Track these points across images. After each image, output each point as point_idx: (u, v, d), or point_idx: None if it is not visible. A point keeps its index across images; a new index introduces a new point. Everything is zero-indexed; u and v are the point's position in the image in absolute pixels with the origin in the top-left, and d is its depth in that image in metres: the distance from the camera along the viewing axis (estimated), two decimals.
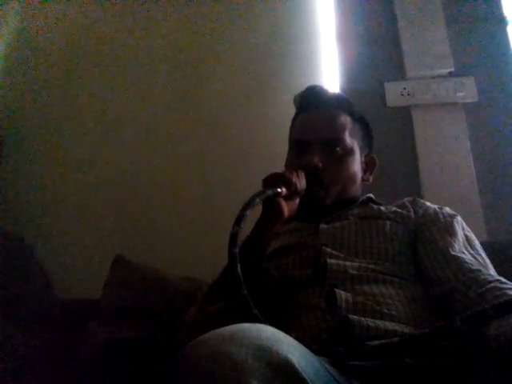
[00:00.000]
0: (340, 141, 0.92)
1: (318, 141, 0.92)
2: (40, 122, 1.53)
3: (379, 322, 0.67)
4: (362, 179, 0.99)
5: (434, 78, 1.49)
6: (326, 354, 0.55)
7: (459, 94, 1.45)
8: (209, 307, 0.78)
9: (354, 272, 0.75)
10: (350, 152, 0.93)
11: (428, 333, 0.52)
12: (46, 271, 1.14)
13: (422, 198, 1.32)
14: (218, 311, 0.74)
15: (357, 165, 0.95)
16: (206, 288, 0.89)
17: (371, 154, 1.03)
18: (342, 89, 1.50)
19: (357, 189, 0.98)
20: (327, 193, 0.90)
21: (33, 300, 1.04)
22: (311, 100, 0.99)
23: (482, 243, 0.86)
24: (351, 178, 0.93)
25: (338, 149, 0.92)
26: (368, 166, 1.01)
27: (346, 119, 0.96)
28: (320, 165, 0.88)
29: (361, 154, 0.97)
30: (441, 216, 0.86)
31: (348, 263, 0.77)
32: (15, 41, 1.59)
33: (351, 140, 0.94)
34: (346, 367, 0.55)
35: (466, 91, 1.46)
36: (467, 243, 0.81)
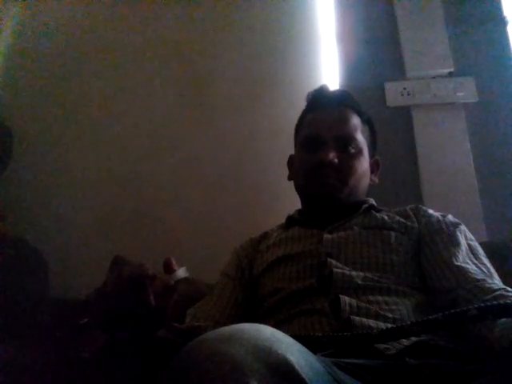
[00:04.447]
0: (353, 139, 0.94)
1: (333, 138, 0.93)
2: (40, 122, 1.53)
3: (381, 323, 0.67)
4: (370, 180, 1.00)
5: (434, 77, 1.49)
6: (312, 345, 0.54)
7: (459, 94, 1.45)
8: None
9: (359, 282, 0.75)
10: (361, 152, 0.95)
11: (406, 327, 0.52)
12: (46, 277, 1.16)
13: (421, 198, 1.35)
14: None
15: (366, 165, 0.97)
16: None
17: (376, 157, 1.04)
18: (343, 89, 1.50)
19: (366, 189, 0.98)
20: (343, 184, 0.91)
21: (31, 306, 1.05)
22: (325, 98, 1.01)
23: (481, 243, 0.86)
24: (362, 177, 0.95)
25: (350, 147, 0.93)
26: (373, 167, 1.02)
27: (357, 120, 0.97)
28: (336, 160, 0.89)
29: (368, 155, 0.98)
30: (444, 226, 0.86)
31: (353, 273, 0.77)
32: (16, 40, 1.59)
33: (362, 140, 0.96)
34: (346, 367, 0.55)
35: (466, 91, 1.45)
36: (470, 253, 0.81)
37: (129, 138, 1.51)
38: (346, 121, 0.95)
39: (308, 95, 1.05)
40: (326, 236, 0.86)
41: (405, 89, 1.48)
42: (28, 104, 1.54)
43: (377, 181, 1.03)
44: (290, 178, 1.05)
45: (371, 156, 1.01)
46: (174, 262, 0.63)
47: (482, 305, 0.50)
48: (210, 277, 1.09)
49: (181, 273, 0.62)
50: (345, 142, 0.93)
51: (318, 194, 0.91)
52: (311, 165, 0.93)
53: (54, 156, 1.50)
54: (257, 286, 0.90)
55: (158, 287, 0.60)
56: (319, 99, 1.01)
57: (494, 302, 0.51)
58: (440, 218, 0.88)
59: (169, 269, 0.62)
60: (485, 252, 0.83)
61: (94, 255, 1.32)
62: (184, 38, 1.61)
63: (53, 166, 1.49)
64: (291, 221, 0.99)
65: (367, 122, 1.01)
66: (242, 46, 1.58)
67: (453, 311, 0.52)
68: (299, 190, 1.00)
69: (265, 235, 1.00)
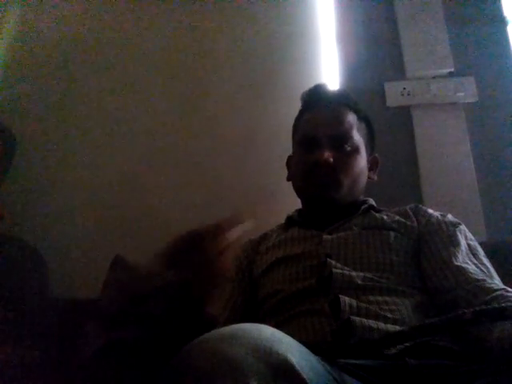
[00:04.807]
0: (349, 138, 0.93)
1: (328, 137, 0.92)
2: (40, 121, 1.53)
3: (381, 324, 0.67)
4: (368, 177, 0.99)
5: (434, 77, 1.49)
6: (323, 353, 0.55)
7: (459, 94, 1.45)
8: None
9: (359, 282, 0.75)
10: (357, 149, 0.94)
11: (407, 331, 0.52)
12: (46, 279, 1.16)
13: (421, 198, 1.35)
14: None
15: (364, 162, 0.96)
16: None
17: (374, 154, 1.04)
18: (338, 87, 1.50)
19: (364, 187, 0.98)
20: (339, 184, 0.90)
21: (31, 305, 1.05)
22: (320, 97, 1.00)
23: (481, 243, 0.86)
24: (359, 175, 0.94)
25: (346, 146, 0.92)
26: (372, 164, 1.02)
27: (353, 117, 0.97)
28: (331, 160, 0.89)
29: (366, 151, 0.98)
30: (443, 226, 0.86)
31: (353, 273, 0.77)
32: (16, 40, 1.59)
33: (358, 138, 0.95)
34: (346, 367, 0.55)
35: (466, 91, 1.45)
36: (470, 253, 0.81)
37: (129, 137, 1.51)
38: (342, 119, 0.95)
39: (303, 95, 1.04)
40: (326, 237, 0.86)
41: (405, 89, 1.48)
42: (28, 104, 1.54)
43: (375, 178, 1.02)
44: (288, 179, 1.05)
45: (369, 153, 1.01)
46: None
47: (477, 308, 0.50)
48: None
49: (247, 226, 0.56)
50: (340, 140, 0.93)
51: (316, 195, 0.91)
52: (307, 165, 0.93)
53: (54, 156, 1.50)
54: (257, 288, 0.90)
55: (217, 245, 0.57)
56: (314, 99, 1.01)
57: (489, 306, 0.51)
58: (440, 217, 0.88)
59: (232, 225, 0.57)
60: (485, 252, 0.83)
61: (94, 255, 1.32)
62: (184, 37, 1.60)
63: (53, 165, 1.49)
64: (291, 221, 0.99)
65: (364, 119, 1.01)
66: (242, 46, 1.58)
67: (449, 315, 0.52)
68: (297, 190, 1.00)
69: (264, 236, 1.00)
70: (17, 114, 1.51)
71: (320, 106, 0.98)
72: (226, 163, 1.47)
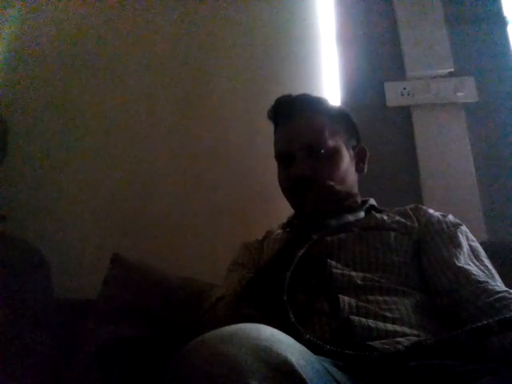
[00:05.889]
0: (322, 143, 0.91)
1: (301, 149, 0.91)
2: (40, 121, 1.53)
3: (380, 323, 0.67)
4: (357, 170, 0.98)
5: (434, 77, 1.49)
6: (333, 355, 0.55)
7: (459, 94, 1.45)
8: (240, 311, 0.76)
9: (359, 282, 0.75)
10: (334, 151, 0.92)
11: (434, 344, 0.52)
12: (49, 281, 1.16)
13: (421, 198, 1.35)
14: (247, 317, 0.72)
15: (346, 161, 0.94)
16: (219, 290, 0.88)
17: (360, 144, 1.01)
18: (342, 89, 1.50)
19: (354, 181, 0.97)
20: (329, 194, 0.89)
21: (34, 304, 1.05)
22: (284, 111, 0.98)
23: (481, 243, 0.86)
24: (344, 173, 0.93)
25: (322, 152, 0.91)
26: (359, 156, 1.00)
27: (322, 120, 0.94)
28: (308, 172, 0.88)
29: (347, 148, 0.96)
30: (444, 226, 0.85)
31: (353, 273, 0.77)
32: (16, 39, 1.59)
33: (333, 139, 0.93)
34: (346, 367, 0.55)
35: (466, 91, 1.45)
36: (472, 254, 0.81)
37: (128, 136, 1.51)
38: (309, 127, 0.93)
39: (268, 113, 1.02)
40: (326, 238, 0.86)
41: (405, 89, 1.48)
42: (29, 104, 1.54)
43: (365, 169, 1.00)
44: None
45: (354, 145, 0.99)
46: None
47: (502, 317, 0.50)
48: (209, 277, 1.09)
49: None
50: (315, 148, 0.91)
51: (308, 213, 0.89)
52: (288, 182, 0.93)
53: (54, 155, 1.50)
54: None
55: None
56: (278, 114, 0.99)
57: (483, 322, 0.51)
58: (440, 217, 0.88)
59: None
60: (485, 252, 0.83)
61: (94, 255, 1.32)
62: (184, 38, 1.60)
63: (53, 165, 1.48)
64: (291, 225, 0.99)
65: (337, 115, 0.98)
66: (242, 47, 1.58)
67: (444, 337, 0.52)
68: (291, 205, 0.99)
69: (267, 234, 1.01)
70: (18, 114, 1.51)
71: (286, 119, 0.97)
72: (226, 163, 1.47)
